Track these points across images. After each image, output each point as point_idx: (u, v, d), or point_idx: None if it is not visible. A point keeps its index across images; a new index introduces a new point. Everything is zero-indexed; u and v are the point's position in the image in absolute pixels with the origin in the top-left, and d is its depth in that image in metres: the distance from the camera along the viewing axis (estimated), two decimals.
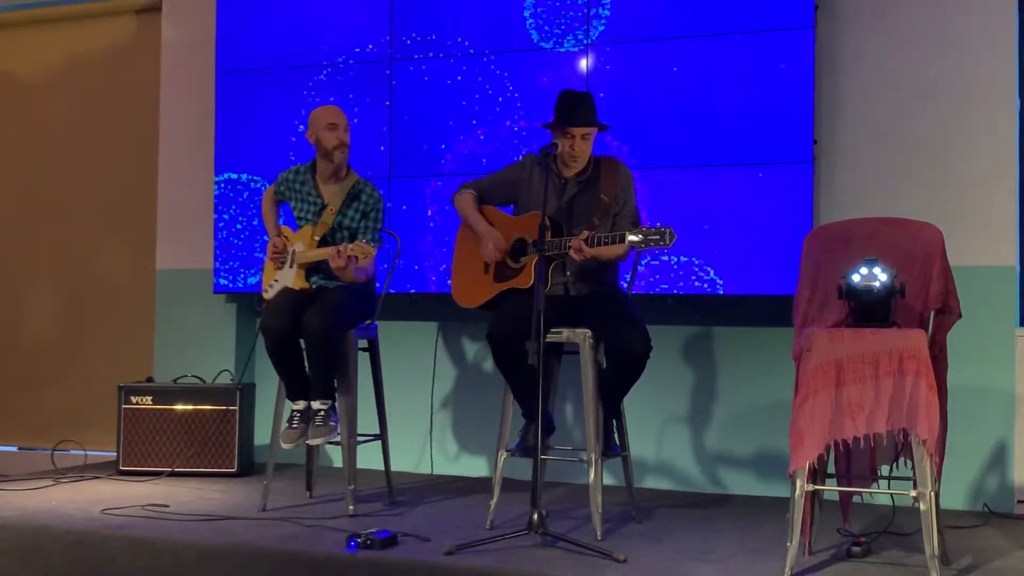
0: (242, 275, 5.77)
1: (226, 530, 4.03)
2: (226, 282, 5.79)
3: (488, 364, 5.52)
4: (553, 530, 3.73)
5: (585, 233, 3.96)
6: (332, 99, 5.52)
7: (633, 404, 4.31)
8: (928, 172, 4.79)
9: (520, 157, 4.38)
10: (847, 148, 4.90)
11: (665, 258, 4.92)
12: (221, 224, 5.81)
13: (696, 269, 4.89)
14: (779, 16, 4.81)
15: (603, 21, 5.10)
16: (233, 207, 5.79)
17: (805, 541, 3.62)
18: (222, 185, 5.81)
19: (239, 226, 5.77)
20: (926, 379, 3.31)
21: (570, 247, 3.94)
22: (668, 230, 3.77)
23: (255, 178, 5.75)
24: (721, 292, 4.86)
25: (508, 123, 5.23)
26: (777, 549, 3.68)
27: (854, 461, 3.77)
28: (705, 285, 4.88)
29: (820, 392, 3.41)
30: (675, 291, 4.94)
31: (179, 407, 5.38)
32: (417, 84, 5.46)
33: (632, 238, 3.82)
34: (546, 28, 5.21)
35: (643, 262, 4.87)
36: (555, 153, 4.10)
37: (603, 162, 4.26)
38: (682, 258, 4.91)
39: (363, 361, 4.59)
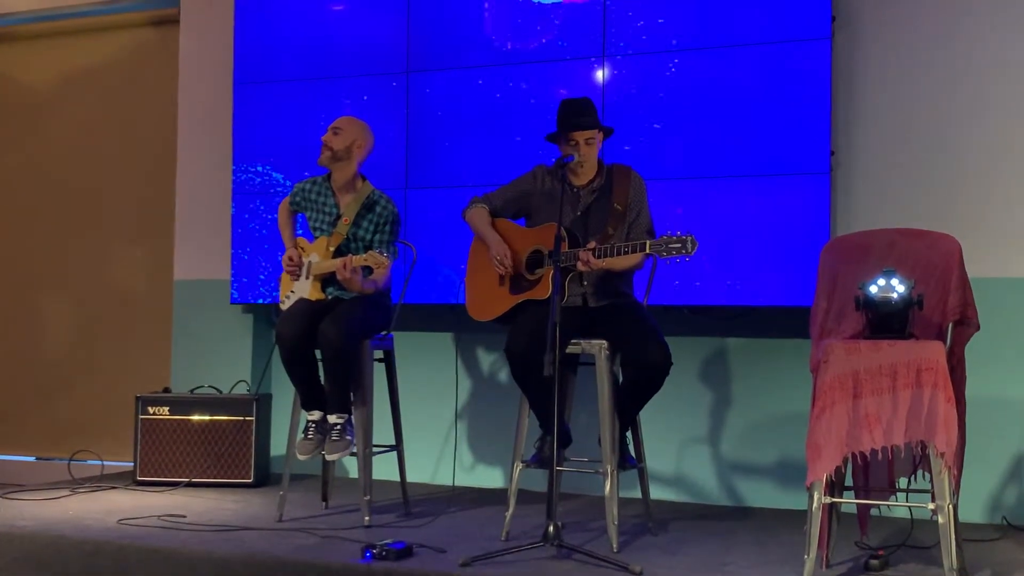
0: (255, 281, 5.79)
1: (242, 540, 4.03)
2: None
3: (504, 375, 5.52)
4: (569, 542, 3.72)
5: (592, 244, 3.94)
6: (350, 109, 5.54)
7: (649, 416, 4.29)
8: (946, 183, 4.77)
9: (531, 168, 4.36)
10: (864, 159, 4.89)
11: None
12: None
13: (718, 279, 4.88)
14: (796, 27, 4.80)
15: (620, 32, 5.10)
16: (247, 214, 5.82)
17: (823, 554, 3.60)
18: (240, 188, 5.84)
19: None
20: (944, 391, 3.29)
21: (577, 260, 3.92)
22: (690, 238, 3.75)
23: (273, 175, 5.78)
24: (738, 303, 4.85)
25: (520, 137, 5.22)
26: (794, 562, 3.66)
27: (872, 473, 3.75)
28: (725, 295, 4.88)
29: (837, 404, 3.39)
30: (692, 302, 4.93)
31: (196, 417, 5.39)
32: (434, 95, 5.46)
33: (652, 247, 3.81)
34: (562, 40, 5.21)
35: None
36: (571, 163, 4.09)
37: (615, 170, 4.24)
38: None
39: (379, 372, 4.60)
